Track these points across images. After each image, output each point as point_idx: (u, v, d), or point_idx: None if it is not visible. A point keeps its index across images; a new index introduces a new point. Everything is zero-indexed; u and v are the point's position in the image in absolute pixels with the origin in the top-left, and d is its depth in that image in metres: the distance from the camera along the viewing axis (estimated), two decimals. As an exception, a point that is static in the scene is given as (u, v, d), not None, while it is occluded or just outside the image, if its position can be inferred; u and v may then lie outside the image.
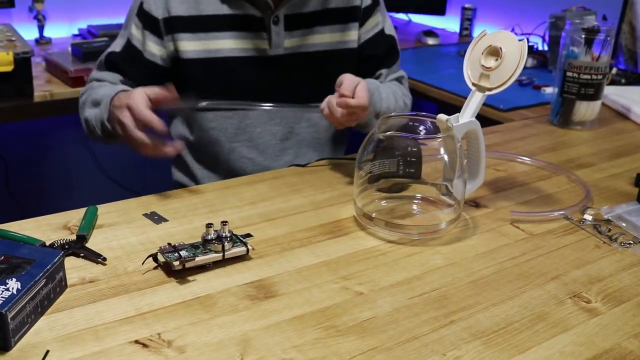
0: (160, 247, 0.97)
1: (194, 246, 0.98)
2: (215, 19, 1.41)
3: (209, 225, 0.98)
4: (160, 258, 0.97)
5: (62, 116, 2.18)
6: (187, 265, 0.95)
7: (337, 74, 1.50)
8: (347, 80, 1.25)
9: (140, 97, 1.16)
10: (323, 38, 1.49)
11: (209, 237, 0.98)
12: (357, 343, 0.82)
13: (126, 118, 1.16)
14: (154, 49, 1.41)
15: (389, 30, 1.59)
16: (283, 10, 1.43)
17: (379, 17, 1.55)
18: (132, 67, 1.42)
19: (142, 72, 1.41)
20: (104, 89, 1.35)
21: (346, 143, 1.65)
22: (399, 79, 1.60)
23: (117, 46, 1.45)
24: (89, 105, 1.37)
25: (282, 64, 1.46)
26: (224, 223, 0.99)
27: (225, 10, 1.41)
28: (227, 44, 1.43)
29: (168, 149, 1.19)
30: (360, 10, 1.52)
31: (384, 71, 1.57)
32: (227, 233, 0.99)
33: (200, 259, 0.96)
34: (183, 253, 0.96)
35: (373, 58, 1.56)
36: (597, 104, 1.69)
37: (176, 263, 0.94)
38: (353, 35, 1.52)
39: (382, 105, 1.42)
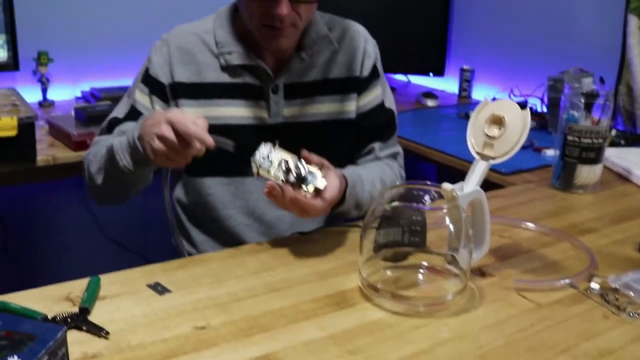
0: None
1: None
2: (216, 87, 1.43)
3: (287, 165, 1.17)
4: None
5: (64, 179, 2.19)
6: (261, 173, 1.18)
7: (335, 144, 1.50)
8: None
9: (183, 114, 1.17)
10: (322, 108, 1.49)
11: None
12: (366, 423, 0.80)
13: (165, 129, 1.15)
14: None
15: (389, 104, 1.58)
16: (283, 80, 1.44)
17: (379, 89, 1.55)
18: None
19: None
20: (125, 124, 1.37)
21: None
22: (393, 155, 1.58)
23: (119, 112, 1.45)
24: (114, 137, 1.35)
25: (281, 132, 1.46)
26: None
27: (225, 78, 1.43)
28: (227, 112, 1.44)
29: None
30: (360, 81, 1.52)
31: (377, 145, 1.55)
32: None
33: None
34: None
35: (369, 130, 1.54)
36: (598, 168, 1.70)
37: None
38: (352, 106, 1.52)
39: (363, 196, 1.39)
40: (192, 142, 1.14)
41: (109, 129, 1.44)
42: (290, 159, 1.19)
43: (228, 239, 1.47)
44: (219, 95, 1.43)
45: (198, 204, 1.49)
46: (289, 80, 1.45)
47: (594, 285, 1.17)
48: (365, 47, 1.52)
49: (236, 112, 1.44)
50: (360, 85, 1.52)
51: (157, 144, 1.17)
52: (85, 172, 1.42)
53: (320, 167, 1.22)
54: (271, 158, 1.19)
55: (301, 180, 1.18)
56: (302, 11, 1.34)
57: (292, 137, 1.46)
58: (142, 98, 1.43)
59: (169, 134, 1.15)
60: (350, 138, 1.53)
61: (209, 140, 1.15)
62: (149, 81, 1.43)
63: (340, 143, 1.52)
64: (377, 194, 1.42)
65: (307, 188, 1.18)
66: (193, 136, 1.14)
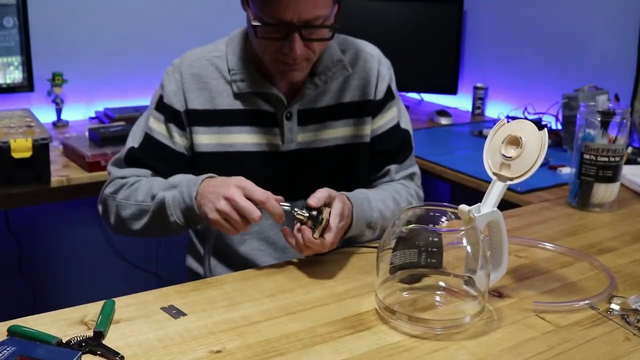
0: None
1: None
2: (229, 114, 1.42)
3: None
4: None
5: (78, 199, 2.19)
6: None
7: (351, 168, 1.49)
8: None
9: (252, 183, 1.23)
10: (336, 133, 1.48)
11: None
12: None
13: (234, 192, 1.20)
14: (180, 140, 1.42)
15: (405, 124, 1.56)
16: (297, 106, 1.43)
17: (394, 111, 1.53)
18: (158, 160, 1.42)
19: (169, 164, 1.41)
20: (175, 178, 1.36)
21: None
22: (410, 176, 1.56)
23: (134, 142, 1.44)
24: (159, 189, 1.34)
25: (295, 158, 1.46)
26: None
27: (238, 105, 1.42)
28: (240, 139, 1.43)
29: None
30: (374, 104, 1.50)
31: (393, 167, 1.53)
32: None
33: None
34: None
35: (384, 153, 1.53)
36: (615, 186, 1.68)
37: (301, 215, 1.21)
38: (366, 130, 1.50)
39: (372, 214, 1.38)
40: (266, 210, 1.21)
41: (128, 161, 1.43)
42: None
43: (241, 263, 1.46)
44: (232, 122, 1.43)
45: (212, 229, 1.48)
46: (302, 107, 1.44)
47: (615, 306, 1.16)
48: (379, 70, 1.51)
49: (249, 139, 1.44)
50: (374, 108, 1.51)
51: (223, 205, 1.20)
52: (112, 214, 1.41)
53: (328, 204, 1.24)
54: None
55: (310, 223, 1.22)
56: (315, 47, 1.33)
57: (306, 163, 1.46)
58: (157, 126, 1.42)
59: (240, 198, 1.19)
60: (365, 161, 1.52)
61: (282, 217, 1.23)
62: (164, 109, 1.42)
63: (356, 167, 1.50)
64: (390, 213, 1.42)
65: (314, 230, 1.22)
66: (271, 210, 1.21)
